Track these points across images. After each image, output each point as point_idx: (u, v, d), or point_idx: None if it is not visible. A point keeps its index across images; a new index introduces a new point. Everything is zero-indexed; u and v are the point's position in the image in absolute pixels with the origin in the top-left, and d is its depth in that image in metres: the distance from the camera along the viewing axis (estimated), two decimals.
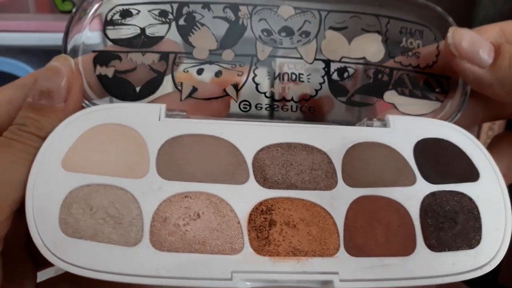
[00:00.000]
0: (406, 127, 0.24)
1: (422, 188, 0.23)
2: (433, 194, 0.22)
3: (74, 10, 0.25)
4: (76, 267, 0.19)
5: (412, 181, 0.23)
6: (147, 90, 0.25)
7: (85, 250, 0.20)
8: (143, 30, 0.26)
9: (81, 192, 0.21)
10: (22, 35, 0.42)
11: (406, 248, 0.21)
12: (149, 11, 0.26)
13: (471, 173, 0.23)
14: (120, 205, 0.21)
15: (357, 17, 0.27)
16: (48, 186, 0.21)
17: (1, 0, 0.45)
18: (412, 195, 0.22)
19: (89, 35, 0.25)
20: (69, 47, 0.24)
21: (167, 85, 0.26)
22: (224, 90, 0.26)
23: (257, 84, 0.26)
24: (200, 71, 0.26)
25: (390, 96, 0.27)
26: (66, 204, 0.20)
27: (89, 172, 0.21)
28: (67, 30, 0.24)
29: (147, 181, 0.21)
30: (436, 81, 0.27)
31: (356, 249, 0.21)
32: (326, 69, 0.26)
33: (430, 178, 0.23)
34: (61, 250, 0.20)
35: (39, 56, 0.36)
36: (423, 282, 0.21)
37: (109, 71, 0.25)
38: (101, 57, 0.25)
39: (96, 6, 0.25)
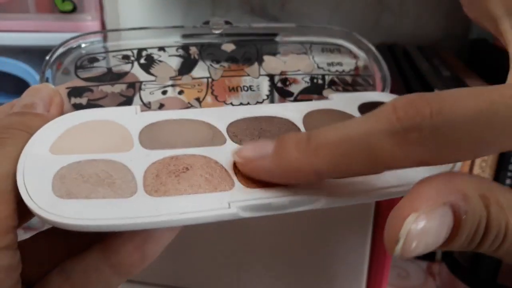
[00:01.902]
0: (346, 97, 0.29)
1: None
2: None
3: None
4: (76, 219, 0.19)
5: None
6: None
7: (83, 206, 0.20)
8: (109, 69, 0.30)
9: (71, 166, 0.22)
10: (22, 35, 0.43)
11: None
12: (113, 56, 0.30)
13: None
14: (111, 170, 0.22)
15: (286, 46, 0.33)
16: (38, 167, 0.21)
17: (1, 0, 0.46)
18: None
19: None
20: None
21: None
22: (189, 103, 0.29)
23: (216, 96, 0.30)
24: (164, 92, 0.30)
25: (328, 92, 0.32)
26: (57, 176, 0.21)
27: (77, 153, 0.23)
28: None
29: (134, 152, 0.23)
30: (362, 78, 0.32)
31: None
32: (270, 81, 0.31)
33: None
34: (58, 209, 0.20)
35: (39, 56, 0.36)
36: (398, 189, 0.23)
37: (83, 100, 0.28)
38: (74, 91, 0.28)
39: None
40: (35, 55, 0.46)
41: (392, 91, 0.37)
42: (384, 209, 0.35)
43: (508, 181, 0.42)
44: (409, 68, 0.52)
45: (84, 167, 0.22)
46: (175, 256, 0.41)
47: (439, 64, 0.53)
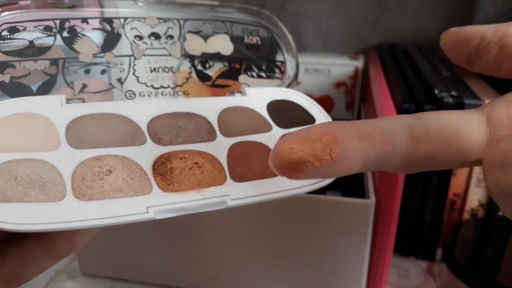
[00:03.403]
0: (259, 94, 0.32)
1: (278, 132, 0.30)
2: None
3: None
4: (10, 223, 0.22)
5: (269, 129, 0.30)
6: (43, 90, 0.29)
7: (17, 210, 0.23)
8: (31, 42, 0.30)
9: (2, 166, 0.24)
10: None
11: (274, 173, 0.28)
12: (34, 27, 0.30)
13: (309, 119, 0.32)
14: (42, 172, 0.24)
15: (208, 23, 0.35)
16: None
17: None
18: (271, 137, 0.30)
19: None
20: None
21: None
22: (110, 83, 0.31)
23: (137, 77, 0.32)
24: (87, 71, 0.31)
25: (243, 78, 0.35)
26: None
27: (6, 152, 0.24)
28: None
29: (61, 152, 0.25)
30: (274, 65, 0.35)
31: (238, 177, 0.27)
32: (191, 62, 0.34)
33: (281, 125, 0.31)
34: None
35: None
36: (293, 192, 0.28)
37: (5, 78, 0.29)
38: None
39: None
40: None
41: (392, 91, 0.41)
42: (384, 209, 0.35)
43: None
44: (409, 68, 0.51)
45: (15, 168, 0.24)
46: (175, 256, 0.43)
47: (439, 64, 0.52)
